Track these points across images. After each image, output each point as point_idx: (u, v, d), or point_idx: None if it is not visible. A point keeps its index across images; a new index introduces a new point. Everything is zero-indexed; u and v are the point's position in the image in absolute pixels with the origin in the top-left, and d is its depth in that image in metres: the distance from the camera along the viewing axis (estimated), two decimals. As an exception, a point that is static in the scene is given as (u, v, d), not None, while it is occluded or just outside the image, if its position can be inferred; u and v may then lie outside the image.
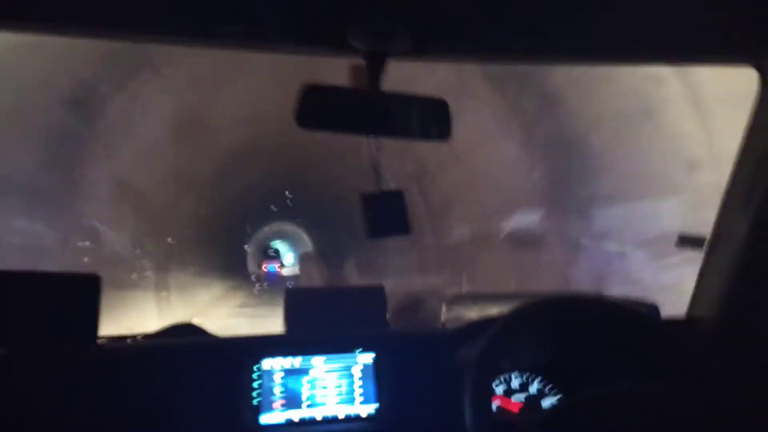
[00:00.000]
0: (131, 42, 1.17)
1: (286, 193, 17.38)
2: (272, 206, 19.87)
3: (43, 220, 5.72)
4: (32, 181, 5.44)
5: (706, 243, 1.63)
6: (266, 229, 26.27)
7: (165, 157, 8.18)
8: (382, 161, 1.34)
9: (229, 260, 19.19)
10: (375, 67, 1.15)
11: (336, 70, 1.26)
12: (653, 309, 1.74)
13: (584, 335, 1.42)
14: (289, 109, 1.17)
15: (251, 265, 27.56)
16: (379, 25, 1.07)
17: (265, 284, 21.95)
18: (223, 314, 12.41)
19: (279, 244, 32.72)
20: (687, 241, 1.82)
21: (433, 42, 1.20)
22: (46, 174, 5.65)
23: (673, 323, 1.66)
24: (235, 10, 1.05)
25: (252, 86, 7.56)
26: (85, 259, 6.36)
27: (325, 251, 22.65)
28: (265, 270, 28.72)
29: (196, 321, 1.88)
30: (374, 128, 1.27)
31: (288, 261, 32.19)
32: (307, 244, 25.87)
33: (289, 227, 27.06)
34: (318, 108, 1.20)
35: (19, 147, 5.17)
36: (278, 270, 29.24)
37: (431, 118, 1.30)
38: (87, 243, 6.61)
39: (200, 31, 1.16)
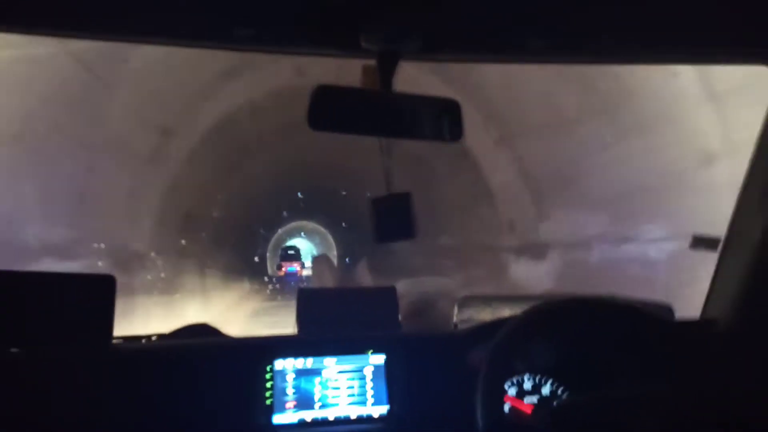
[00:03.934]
0: (143, 44, 1.17)
1: (298, 194, 17.42)
2: (285, 209, 19.91)
3: (58, 221, 5.78)
4: (47, 184, 5.50)
5: (720, 244, 1.61)
6: (282, 230, 26.03)
7: (180, 159, 8.24)
8: (393, 163, 1.34)
9: (246, 262, 19.27)
10: (387, 67, 1.15)
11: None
12: (667, 310, 1.73)
13: (598, 337, 1.41)
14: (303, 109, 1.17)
15: (270, 267, 27.22)
16: (391, 25, 1.07)
17: (277, 285, 21.79)
18: (240, 317, 12.45)
19: (300, 242, 31.88)
20: (701, 242, 1.80)
21: (445, 42, 1.20)
22: (61, 177, 5.71)
23: (687, 325, 1.64)
24: (247, 12, 1.06)
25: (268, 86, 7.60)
26: (99, 263, 6.42)
27: (338, 252, 22.70)
28: (285, 271, 27.63)
29: (211, 322, 1.89)
30: (386, 129, 1.27)
31: (308, 261, 31.06)
32: (329, 241, 25.59)
33: (309, 224, 26.67)
34: (329, 109, 1.20)
35: (36, 151, 5.24)
36: (298, 270, 28.00)
37: (443, 119, 1.30)
38: (102, 245, 6.67)
39: (212, 33, 1.17)
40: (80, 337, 1.44)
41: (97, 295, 1.47)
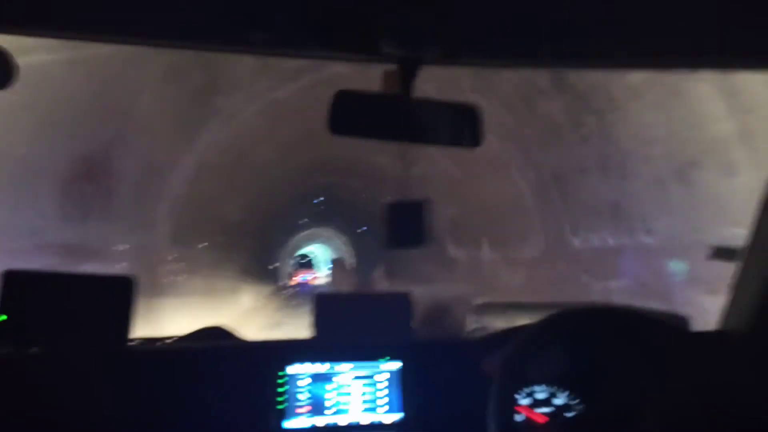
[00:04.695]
0: (157, 48, 1.18)
1: (314, 201, 17.47)
2: (303, 214, 19.93)
3: (79, 222, 5.86)
4: (69, 185, 5.58)
5: (739, 255, 1.59)
6: (298, 236, 25.95)
7: (200, 163, 8.32)
8: (410, 169, 1.34)
9: (262, 267, 19.34)
10: (408, 73, 1.15)
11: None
12: (683, 321, 1.70)
13: (613, 346, 1.40)
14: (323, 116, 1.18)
15: (283, 276, 27.14)
16: (412, 30, 1.07)
17: (292, 291, 21.72)
18: (256, 321, 12.49)
19: (315, 249, 31.56)
20: (720, 253, 1.77)
21: (466, 48, 1.20)
22: (82, 178, 5.79)
23: (704, 336, 1.62)
24: (264, 16, 1.07)
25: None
26: (123, 264, 6.49)
27: (354, 258, 22.69)
28: (298, 280, 27.57)
29: (226, 326, 1.90)
30: (406, 134, 1.27)
31: (322, 269, 30.79)
32: (346, 248, 25.49)
33: (326, 231, 26.53)
34: (350, 114, 1.21)
35: (58, 150, 5.32)
36: (310, 280, 27.94)
37: (463, 125, 1.30)
38: (123, 246, 6.75)
39: (228, 37, 1.18)
40: (99, 337, 1.46)
41: (116, 295, 1.48)
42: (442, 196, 9.62)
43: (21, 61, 1.08)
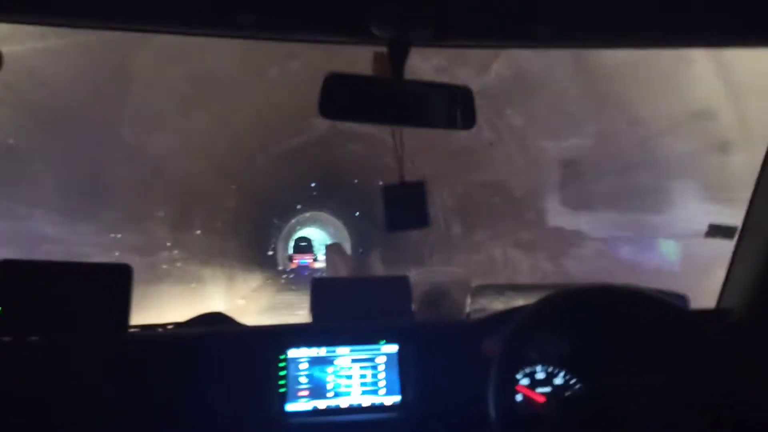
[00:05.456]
0: (146, 32, 1.17)
1: (311, 184, 17.43)
2: (299, 199, 19.85)
3: (74, 211, 5.84)
4: (64, 173, 5.56)
5: (737, 233, 1.59)
6: (294, 219, 25.69)
7: (195, 147, 8.28)
8: (406, 151, 1.33)
9: (260, 252, 19.35)
10: (398, 55, 1.14)
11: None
12: (682, 300, 1.71)
13: (612, 326, 1.40)
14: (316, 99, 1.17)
15: (281, 259, 26.86)
16: (401, 12, 1.06)
17: (291, 276, 21.59)
18: (254, 306, 12.53)
19: (313, 231, 31.00)
20: (717, 230, 1.78)
21: (456, 29, 1.19)
22: (77, 165, 5.75)
23: (703, 314, 1.62)
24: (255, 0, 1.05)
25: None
26: (116, 253, 6.48)
27: (351, 242, 22.70)
28: (297, 264, 26.79)
29: (226, 311, 1.90)
30: (398, 117, 1.27)
31: (321, 252, 29.76)
32: (343, 231, 25.29)
33: (323, 215, 26.22)
34: (341, 97, 1.19)
35: (51, 140, 5.28)
36: (311, 263, 26.97)
37: (455, 106, 1.29)
38: (119, 235, 6.74)
39: (216, 20, 1.16)
40: (97, 325, 1.46)
41: (113, 283, 1.48)
42: (439, 177, 9.64)
43: (6, 49, 1.07)
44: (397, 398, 1.51)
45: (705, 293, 1.70)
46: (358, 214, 18.60)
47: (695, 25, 1.24)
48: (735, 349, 1.25)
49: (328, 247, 17.40)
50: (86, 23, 1.16)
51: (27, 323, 1.42)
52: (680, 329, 1.31)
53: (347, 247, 22.88)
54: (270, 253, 22.98)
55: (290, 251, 28.90)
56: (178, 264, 9.23)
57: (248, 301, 13.35)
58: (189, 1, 1.08)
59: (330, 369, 1.51)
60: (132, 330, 1.56)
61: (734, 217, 1.63)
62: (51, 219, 5.39)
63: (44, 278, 1.46)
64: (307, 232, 31.33)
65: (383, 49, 1.14)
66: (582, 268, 6.50)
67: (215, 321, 1.84)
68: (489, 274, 8.42)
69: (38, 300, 1.43)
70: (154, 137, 7.20)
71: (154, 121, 6.97)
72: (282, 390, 1.47)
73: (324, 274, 16.85)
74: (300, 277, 19.71)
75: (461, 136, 6.99)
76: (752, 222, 1.55)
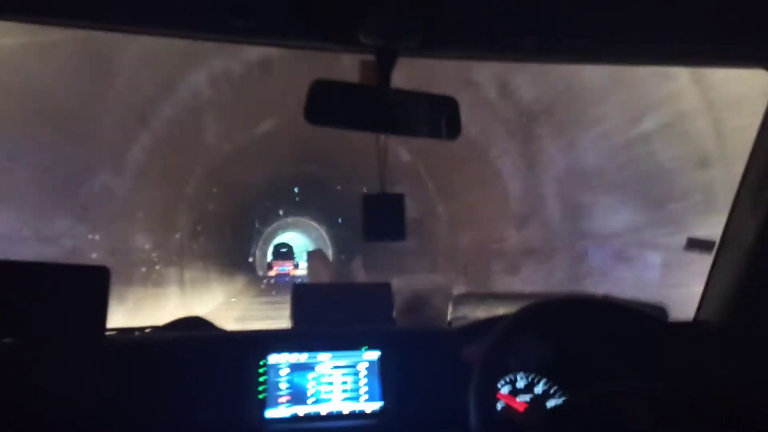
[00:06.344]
0: (138, 34, 1.17)
1: (295, 189, 17.39)
2: (281, 205, 19.72)
3: (53, 212, 5.76)
4: (42, 173, 5.48)
5: (715, 246, 1.62)
6: (276, 223, 25.29)
7: (177, 150, 8.21)
8: (388, 160, 1.34)
9: (241, 256, 19.20)
10: (385, 63, 1.15)
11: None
12: (661, 311, 1.73)
13: (591, 336, 1.42)
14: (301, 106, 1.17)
15: (260, 266, 26.10)
16: (390, 21, 1.06)
17: (271, 281, 21.25)
18: (232, 313, 12.41)
19: (295, 236, 30.25)
20: (696, 244, 1.80)
21: (443, 38, 1.19)
22: (56, 165, 5.68)
23: (681, 326, 1.65)
24: (243, 4, 1.05)
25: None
26: (93, 255, 6.39)
27: (332, 248, 22.63)
28: (276, 271, 25.96)
29: (205, 316, 1.89)
30: (383, 125, 1.27)
31: (302, 259, 28.23)
32: (325, 238, 24.98)
33: (304, 220, 25.78)
34: (327, 104, 1.20)
35: (31, 137, 5.21)
36: (290, 270, 26.16)
37: (440, 116, 1.29)
38: (96, 237, 6.65)
39: (208, 25, 1.16)
40: (74, 327, 1.44)
41: (91, 286, 1.46)
42: (419, 185, 9.67)
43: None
44: (378, 405, 1.51)
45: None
46: (340, 220, 18.58)
47: (684, 43, 1.27)
48: (713, 359, 1.27)
49: (310, 254, 17.38)
50: (78, 23, 1.15)
51: (1, 324, 1.40)
52: (658, 339, 1.32)
53: (329, 253, 22.81)
54: (250, 260, 22.61)
55: (270, 257, 28.35)
56: (157, 266, 9.13)
57: (226, 307, 13.24)
58: (182, 5, 1.08)
59: (311, 375, 1.50)
60: (109, 333, 1.54)
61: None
62: (24, 217, 5.31)
63: (19, 279, 1.43)
64: (287, 237, 30.75)
65: (371, 57, 1.15)
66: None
67: (194, 325, 1.83)
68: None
69: (13, 301, 1.41)
70: (134, 138, 7.13)
71: (136, 120, 6.92)
72: (262, 396, 1.46)
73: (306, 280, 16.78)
74: (279, 284, 19.32)
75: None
76: (731, 235, 1.57)
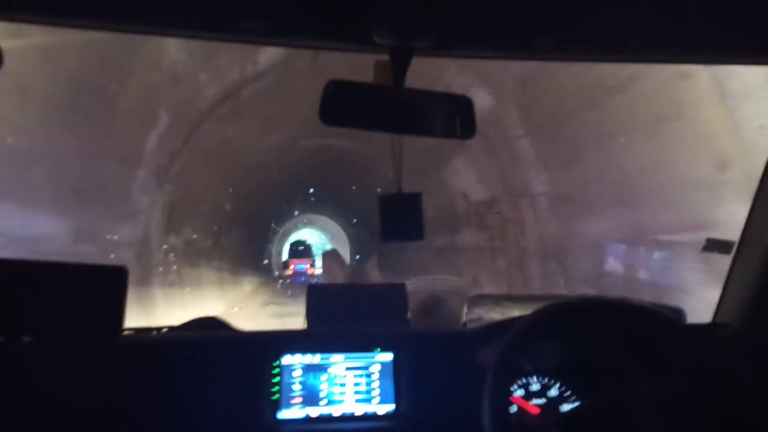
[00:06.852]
0: (152, 35, 1.17)
1: (310, 190, 17.44)
2: (297, 205, 19.72)
3: (70, 212, 5.83)
4: (59, 174, 5.54)
5: (733, 247, 1.59)
6: (291, 223, 25.02)
7: (193, 153, 8.27)
8: (403, 160, 1.33)
9: (257, 256, 19.26)
10: (399, 63, 1.14)
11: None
12: (679, 313, 1.71)
13: (607, 338, 1.40)
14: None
15: (276, 265, 25.70)
16: (404, 20, 1.06)
17: (288, 281, 21.12)
18: (250, 311, 12.43)
19: (311, 234, 29.60)
20: (714, 245, 1.78)
21: (458, 38, 1.19)
22: (73, 167, 5.74)
23: (698, 328, 1.62)
24: (259, 4, 1.05)
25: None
26: (112, 255, 6.46)
27: (348, 249, 22.65)
28: (293, 270, 25.01)
29: (221, 316, 1.90)
30: (398, 125, 1.27)
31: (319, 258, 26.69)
32: (342, 237, 24.73)
33: (321, 219, 25.49)
34: (342, 104, 1.20)
35: (49, 138, 5.27)
36: (308, 269, 25.18)
37: (455, 116, 1.29)
38: (115, 237, 6.72)
39: (221, 25, 1.17)
40: (91, 327, 1.45)
41: (109, 286, 1.47)
42: (437, 186, 9.64)
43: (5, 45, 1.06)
44: (391, 407, 1.50)
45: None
46: (355, 221, 18.59)
47: (699, 39, 1.25)
48: (731, 362, 1.25)
49: (325, 254, 17.39)
50: (90, 24, 1.16)
51: (21, 324, 1.41)
52: (675, 342, 1.30)
53: (345, 253, 22.78)
54: (265, 261, 22.48)
55: (286, 256, 28.10)
56: (174, 267, 9.20)
57: (243, 307, 13.27)
58: (194, 6, 1.09)
59: (324, 376, 1.50)
60: (126, 332, 1.55)
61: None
62: (45, 218, 5.37)
63: (39, 278, 1.45)
64: (303, 234, 30.29)
65: (385, 57, 1.14)
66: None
67: (210, 326, 1.84)
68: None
69: (32, 300, 1.42)
70: (153, 139, 7.19)
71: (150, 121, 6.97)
72: (275, 397, 1.46)
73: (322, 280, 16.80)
74: (296, 284, 19.10)
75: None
76: (750, 236, 1.55)
